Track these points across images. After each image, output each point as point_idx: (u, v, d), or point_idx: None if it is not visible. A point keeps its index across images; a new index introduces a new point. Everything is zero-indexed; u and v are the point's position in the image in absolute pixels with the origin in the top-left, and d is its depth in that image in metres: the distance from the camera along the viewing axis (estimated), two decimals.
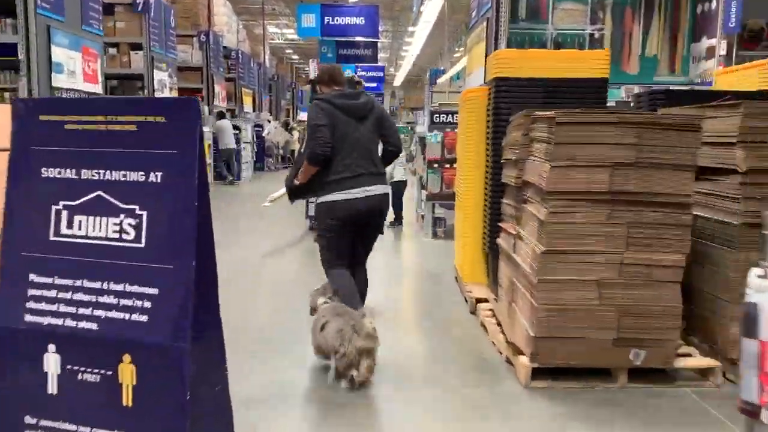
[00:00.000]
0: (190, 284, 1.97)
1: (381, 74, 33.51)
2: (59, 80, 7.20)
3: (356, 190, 3.70)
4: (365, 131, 3.79)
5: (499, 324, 4.21)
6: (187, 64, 13.84)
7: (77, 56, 7.70)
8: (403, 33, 31.07)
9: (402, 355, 3.95)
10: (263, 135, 17.98)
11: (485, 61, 5.58)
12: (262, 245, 7.60)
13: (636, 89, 6.73)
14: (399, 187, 8.59)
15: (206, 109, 14.03)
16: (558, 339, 3.41)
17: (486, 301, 4.76)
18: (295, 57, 37.40)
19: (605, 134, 3.35)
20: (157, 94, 10.99)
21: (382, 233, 4.05)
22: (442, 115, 8.17)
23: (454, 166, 7.01)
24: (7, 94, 7.45)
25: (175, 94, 12.05)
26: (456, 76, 23.48)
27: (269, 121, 19.57)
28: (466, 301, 5.04)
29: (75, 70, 7.66)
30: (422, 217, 8.63)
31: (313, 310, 3.66)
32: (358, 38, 19.13)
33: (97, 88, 8.34)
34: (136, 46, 10.80)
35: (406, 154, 10.73)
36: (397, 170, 8.40)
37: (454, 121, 7.68)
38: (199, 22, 14.19)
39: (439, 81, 23.69)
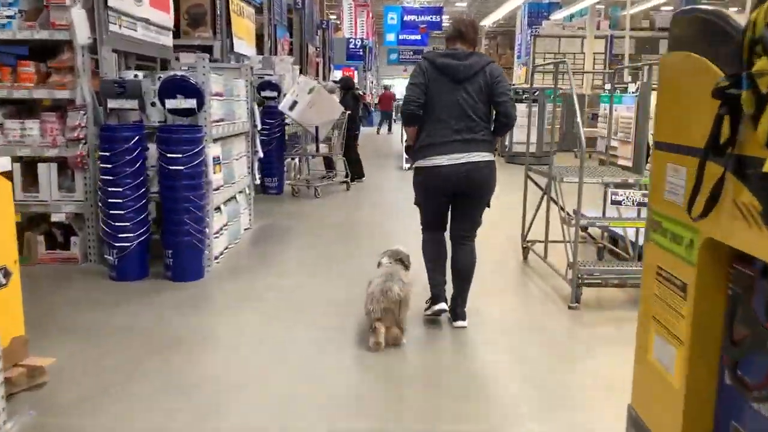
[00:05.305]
0: None
1: (438, 18, 22.93)
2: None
3: (443, 158, 3.63)
4: (464, 95, 3.64)
5: None
6: None
7: None
8: None
9: None
10: (280, 107, 8.17)
11: None
12: None
13: None
14: None
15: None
16: None
17: None
18: None
19: None
20: None
21: (486, 206, 3.84)
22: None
23: None
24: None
25: None
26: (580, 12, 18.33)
27: (299, 77, 9.33)
28: None
29: None
30: None
31: (379, 266, 3.79)
32: None
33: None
34: None
35: None
36: None
37: None
38: None
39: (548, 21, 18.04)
